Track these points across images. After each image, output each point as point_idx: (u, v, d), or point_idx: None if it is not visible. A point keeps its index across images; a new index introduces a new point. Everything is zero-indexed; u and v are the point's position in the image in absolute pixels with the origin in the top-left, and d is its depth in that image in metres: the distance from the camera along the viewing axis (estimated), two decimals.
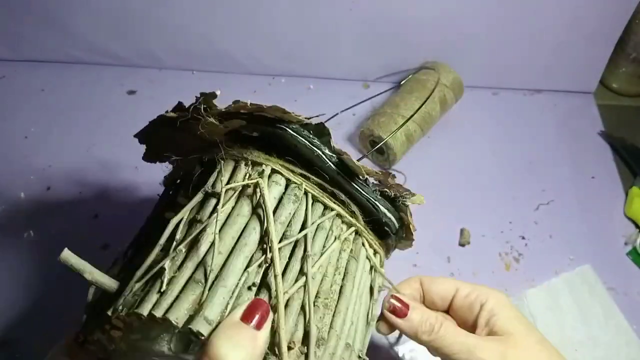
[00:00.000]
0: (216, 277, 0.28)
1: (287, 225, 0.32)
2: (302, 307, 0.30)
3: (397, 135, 0.60)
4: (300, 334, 0.29)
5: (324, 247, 0.32)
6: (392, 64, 0.62)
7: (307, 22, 0.65)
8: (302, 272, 0.30)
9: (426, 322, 0.34)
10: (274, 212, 0.31)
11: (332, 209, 0.34)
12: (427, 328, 0.34)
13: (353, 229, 0.35)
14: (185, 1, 0.64)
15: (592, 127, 0.71)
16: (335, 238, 0.33)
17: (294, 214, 0.32)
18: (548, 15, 0.65)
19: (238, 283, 0.28)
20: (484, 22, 0.66)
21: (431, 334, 0.34)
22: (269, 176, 0.32)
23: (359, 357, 0.33)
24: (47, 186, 0.60)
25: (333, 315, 0.31)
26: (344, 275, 0.34)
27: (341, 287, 0.33)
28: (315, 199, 0.34)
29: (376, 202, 0.36)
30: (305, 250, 0.31)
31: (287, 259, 0.31)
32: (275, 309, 0.28)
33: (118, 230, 0.58)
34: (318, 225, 0.33)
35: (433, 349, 0.35)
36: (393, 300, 0.35)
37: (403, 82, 0.66)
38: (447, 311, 0.38)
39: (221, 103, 0.31)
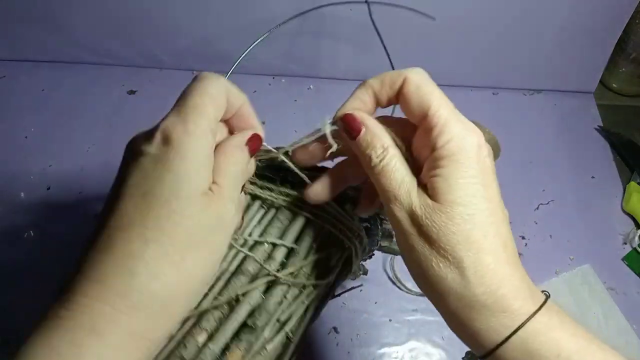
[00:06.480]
0: None
1: None
2: None
3: None
4: None
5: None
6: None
7: (307, 22, 0.65)
8: None
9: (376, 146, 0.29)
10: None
11: None
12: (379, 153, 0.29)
13: None
14: (186, 1, 0.64)
15: (592, 127, 0.71)
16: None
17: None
18: (548, 15, 0.65)
19: None
20: (484, 21, 0.66)
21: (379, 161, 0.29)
22: None
23: None
24: (47, 186, 0.60)
25: None
26: None
27: None
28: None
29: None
30: None
31: None
32: None
33: None
34: None
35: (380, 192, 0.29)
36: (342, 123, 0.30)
37: None
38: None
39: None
